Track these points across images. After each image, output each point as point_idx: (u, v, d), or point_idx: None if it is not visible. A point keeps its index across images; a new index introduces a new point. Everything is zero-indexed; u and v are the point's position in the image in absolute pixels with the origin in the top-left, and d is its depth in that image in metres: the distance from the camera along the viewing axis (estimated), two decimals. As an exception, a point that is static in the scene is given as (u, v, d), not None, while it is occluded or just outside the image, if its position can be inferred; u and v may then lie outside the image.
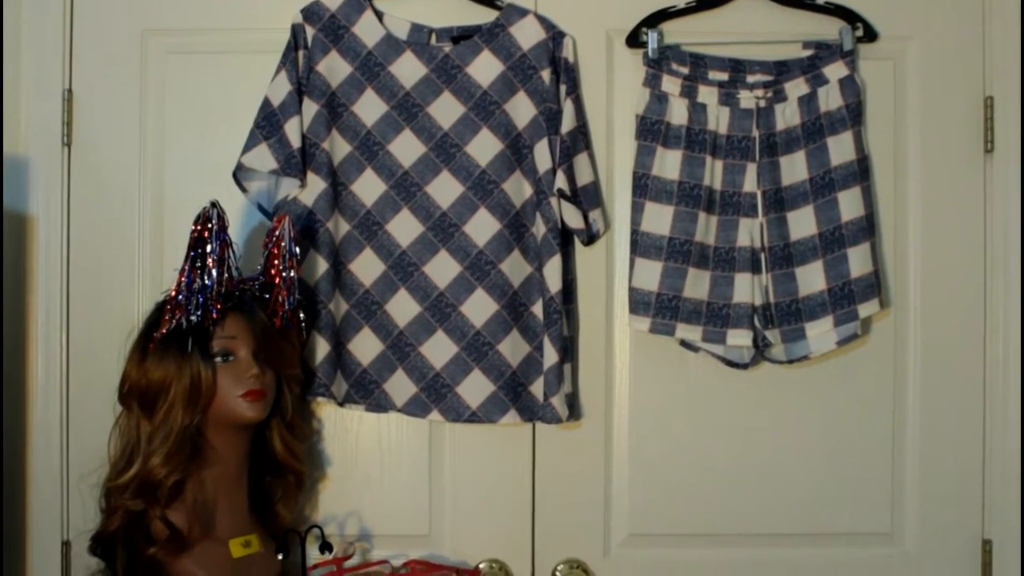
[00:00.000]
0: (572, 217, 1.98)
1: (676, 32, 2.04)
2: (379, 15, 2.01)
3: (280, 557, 1.84)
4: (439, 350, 1.98)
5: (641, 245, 1.99)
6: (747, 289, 1.98)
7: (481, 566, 2.04)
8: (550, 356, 1.93)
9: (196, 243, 1.74)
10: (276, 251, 1.84)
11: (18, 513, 2.01)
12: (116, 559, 1.76)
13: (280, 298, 1.83)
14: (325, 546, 1.91)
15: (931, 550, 2.08)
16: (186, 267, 1.74)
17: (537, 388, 1.97)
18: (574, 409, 2.02)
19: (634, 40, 2.03)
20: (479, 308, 1.97)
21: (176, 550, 1.75)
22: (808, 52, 2.02)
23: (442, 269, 1.98)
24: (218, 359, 1.77)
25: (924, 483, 2.07)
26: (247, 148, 1.95)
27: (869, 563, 2.08)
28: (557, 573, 2.05)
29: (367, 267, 1.99)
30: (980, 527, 2.08)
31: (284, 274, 1.83)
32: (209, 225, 1.74)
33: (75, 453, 2.00)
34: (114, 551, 1.77)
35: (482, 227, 1.97)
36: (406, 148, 1.98)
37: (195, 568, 1.76)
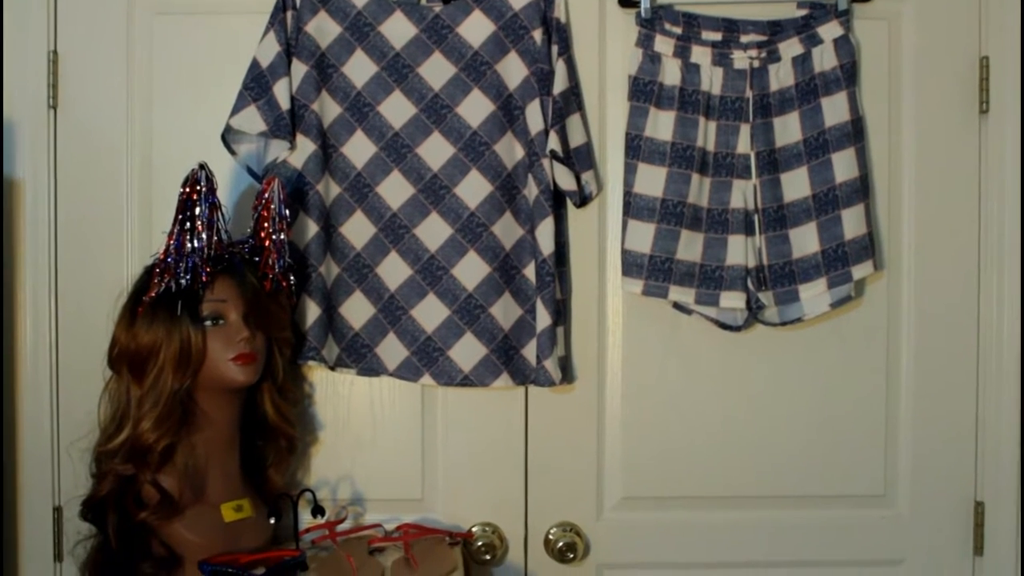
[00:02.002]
0: (564, 179, 1.96)
1: (669, -9, 2.02)
2: (368, -25, 1.99)
3: (272, 521, 1.83)
4: (431, 313, 1.97)
5: (634, 207, 1.97)
6: (740, 251, 1.97)
7: (474, 529, 2.04)
8: (543, 319, 1.92)
9: (185, 206, 1.73)
10: (266, 214, 1.82)
11: (9, 479, 2.00)
12: (107, 524, 1.76)
13: (270, 261, 1.82)
14: (317, 510, 1.90)
15: (924, 512, 2.08)
16: (175, 230, 1.73)
17: (530, 351, 1.97)
18: (567, 372, 2.02)
19: (627, 0, 2.01)
20: (471, 271, 1.96)
21: (167, 514, 1.75)
22: (802, 12, 2.00)
23: (433, 231, 1.97)
24: (208, 323, 1.76)
25: (917, 445, 2.08)
26: (236, 110, 1.93)
27: (862, 525, 2.08)
28: (550, 536, 2.05)
29: (358, 230, 1.98)
30: (973, 489, 2.09)
31: (274, 237, 1.82)
32: (198, 187, 1.73)
33: (65, 418, 1.99)
34: (105, 516, 1.76)
35: (473, 189, 1.96)
36: (396, 109, 1.97)
37: (186, 532, 1.76)
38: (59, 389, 2.01)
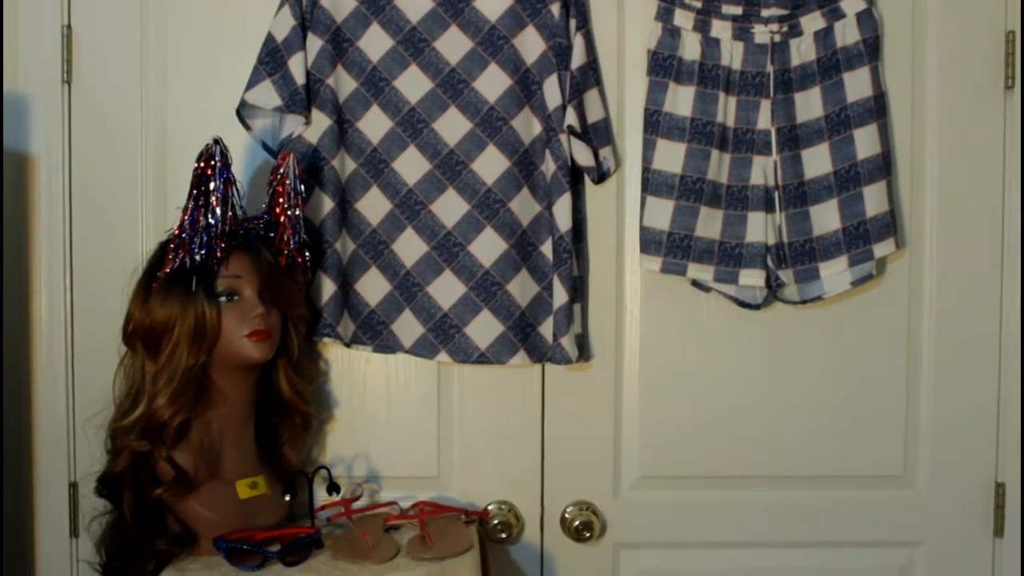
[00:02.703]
0: (582, 155, 1.94)
1: (689, -36, 1.99)
2: (384, -52, 1.97)
3: (287, 498, 1.83)
4: (447, 290, 1.95)
5: (652, 183, 1.95)
6: (760, 228, 1.95)
7: (490, 508, 2.03)
8: (559, 296, 1.91)
9: (199, 181, 1.71)
10: (281, 189, 1.81)
11: (25, 455, 2.00)
12: (123, 500, 1.76)
13: (285, 237, 1.81)
14: (332, 487, 1.90)
15: (944, 492, 2.07)
16: (189, 205, 1.72)
17: (546, 329, 1.95)
18: (584, 350, 2.01)
19: (646, -28, 1.99)
20: (487, 247, 1.94)
21: (182, 491, 1.74)
22: (825, -15, 1.98)
23: (450, 208, 1.95)
24: (223, 299, 1.75)
25: (937, 425, 2.06)
26: (251, 85, 1.91)
27: (881, 505, 2.07)
28: (566, 515, 2.04)
29: (374, 206, 1.96)
30: (993, 470, 2.07)
31: (289, 213, 1.81)
32: (212, 162, 1.71)
33: (80, 394, 1.99)
34: (120, 492, 1.76)
35: (490, 165, 1.94)
36: (413, 84, 1.95)
37: (201, 509, 1.76)
38: (74, 366, 2.00)
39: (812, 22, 1.95)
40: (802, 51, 1.96)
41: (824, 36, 1.95)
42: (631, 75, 2.02)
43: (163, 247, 1.78)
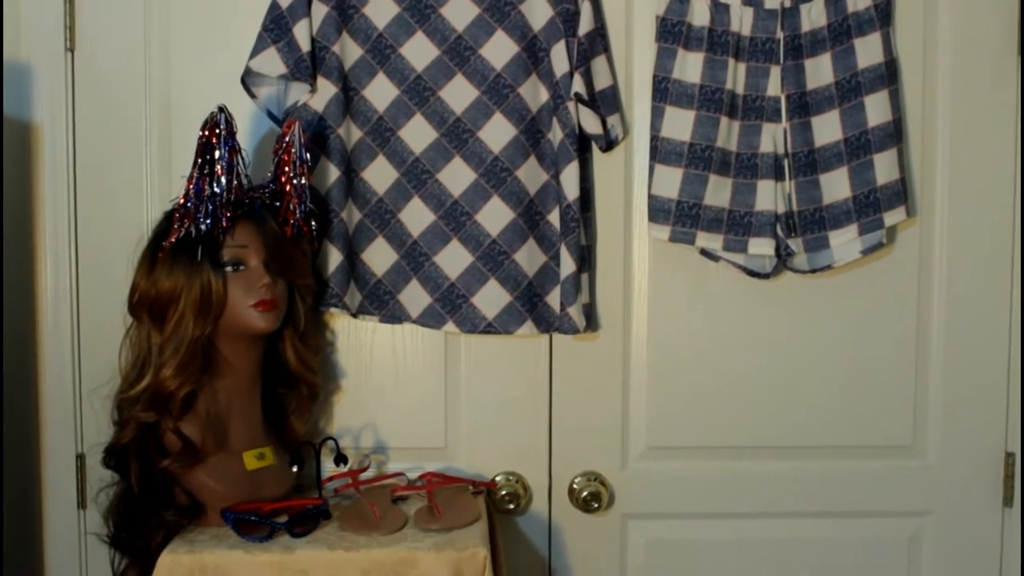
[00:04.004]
0: (590, 122, 1.93)
1: (698, -71, 1.97)
2: (389, -86, 1.95)
3: (294, 469, 1.83)
4: (454, 260, 1.94)
5: (661, 151, 1.94)
6: (770, 196, 1.93)
7: (498, 479, 2.03)
8: (567, 265, 1.90)
9: (204, 149, 1.70)
10: (286, 158, 1.79)
11: (32, 427, 2.00)
12: (130, 471, 1.75)
13: (291, 206, 1.79)
14: (340, 458, 1.90)
15: (953, 463, 2.07)
16: (194, 174, 1.70)
17: (554, 298, 1.94)
18: (591, 320, 2.00)
19: (654, -62, 1.96)
20: (495, 216, 1.93)
21: (189, 462, 1.74)
22: (836, -50, 1.95)
23: (457, 176, 1.94)
24: (228, 268, 1.74)
25: (947, 396, 2.06)
26: (255, 52, 1.90)
27: (890, 475, 2.06)
28: (574, 486, 2.04)
29: (380, 174, 1.95)
30: (1003, 440, 2.07)
31: (295, 181, 1.79)
32: (217, 131, 1.70)
33: (87, 365, 1.98)
34: (127, 463, 1.76)
35: (497, 133, 1.92)
36: (418, 51, 1.93)
37: (209, 480, 1.75)
38: (80, 336, 2.00)
39: (823, -13, 1.94)
40: (812, 17, 1.94)
41: (835, 1, 1.93)
42: (639, 41, 2.00)
43: (168, 216, 1.77)
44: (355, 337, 2.03)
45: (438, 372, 2.03)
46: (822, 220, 1.94)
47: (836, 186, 1.94)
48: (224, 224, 1.71)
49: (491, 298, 1.94)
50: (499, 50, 1.92)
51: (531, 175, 1.94)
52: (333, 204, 1.92)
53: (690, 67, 1.93)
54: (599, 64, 1.94)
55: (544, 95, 1.93)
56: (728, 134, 1.94)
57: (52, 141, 1.97)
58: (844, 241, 1.94)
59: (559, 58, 1.91)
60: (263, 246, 1.75)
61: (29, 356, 1.99)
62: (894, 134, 1.92)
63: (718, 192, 1.94)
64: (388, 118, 1.94)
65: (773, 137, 1.94)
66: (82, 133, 1.97)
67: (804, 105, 1.94)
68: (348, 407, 2.03)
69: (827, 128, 1.94)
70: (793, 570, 2.07)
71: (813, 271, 1.97)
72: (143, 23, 1.98)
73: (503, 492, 2.02)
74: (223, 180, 1.70)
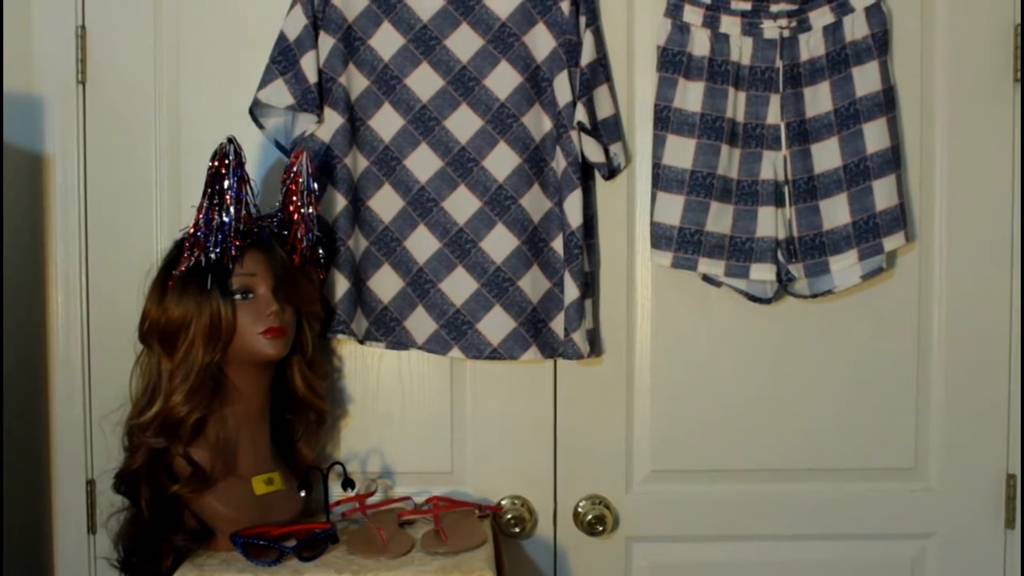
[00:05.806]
0: (592, 151, 1.95)
1: (698, -39, 2.00)
2: (395, -53, 1.98)
3: (302, 494, 1.84)
4: (459, 286, 1.96)
5: (663, 179, 1.96)
6: (770, 223, 1.96)
7: (503, 502, 2.05)
8: (571, 292, 1.92)
9: (213, 179, 1.73)
10: (294, 187, 1.82)
11: (43, 452, 2.01)
12: (140, 496, 1.77)
13: (299, 235, 1.82)
14: (347, 483, 1.91)
15: (955, 485, 2.07)
16: (204, 203, 1.73)
17: (558, 324, 1.96)
18: (595, 345, 2.02)
19: (655, -31, 1.99)
20: (499, 244, 1.95)
21: (199, 487, 1.75)
22: (833, -20, 1.98)
23: (461, 204, 1.96)
24: (238, 296, 1.76)
25: (948, 418, 2.06)
26: (263, 83, 1.93)
27: (892, 498, 2.07)
28: (579, 509, 2.05)
29: (386, 203, 1.97)
30: (1004, 462, 2.07)
31: (302, 210, 1.82)
32: (226, 161, 1.73)
33: (97, 392, 2.00)
34: (138, 489, 1.78)
35: (501, 161, 1.95)
36: (424, 82, 1.96)
37: (218, 505, 1.77)
38: (91, 363, 2.02)
39: (821, 17, 1.96)
40: (811, 46, 1.97)
41: (833, 31, 1.96)
42: (641, 71, 2.02)
43: (178, 245, 1.79)
44: (362, 363, 2.05)
45: (444, 397, 2.05)
46: (822, 246, 1.96)
47: (836, 212, 1.96)
48: (233, 253, 1.74)
49: (496, 324, 1.96)
50: (503, 80, 1.95)
51: (535, 203, 1.96)
52: (340, 232, 1.94)
53: (691, 96, 1.95)
54: (601, 93, 1.97)
55: (547, 124, 1.96)
56: (729, 161, 1.96)
57: (64, 172, 2.00)
58: (844, 266, 1.96)
59: (562, 88, 1.94)
60: (272, 274, 1.78)
61: (40, 382, 2.01)
62: (893, 160, 1.95)
63: (719, 219, 1.96)
64: (394, 148, 1.97)
65: (773, 164, 1.97)
66: (93, 164, 2.00)
67: (803, 132, 1.97)
68: (355, 432, 2.05)
69: (826, 155, 1.96)
70: (797, 592, 2.09)
71: (814, 296, 1.99)
72: (153, 55, 2.01)
73: (509, 516, 2.03)
74: (232, 209, 1.73)
